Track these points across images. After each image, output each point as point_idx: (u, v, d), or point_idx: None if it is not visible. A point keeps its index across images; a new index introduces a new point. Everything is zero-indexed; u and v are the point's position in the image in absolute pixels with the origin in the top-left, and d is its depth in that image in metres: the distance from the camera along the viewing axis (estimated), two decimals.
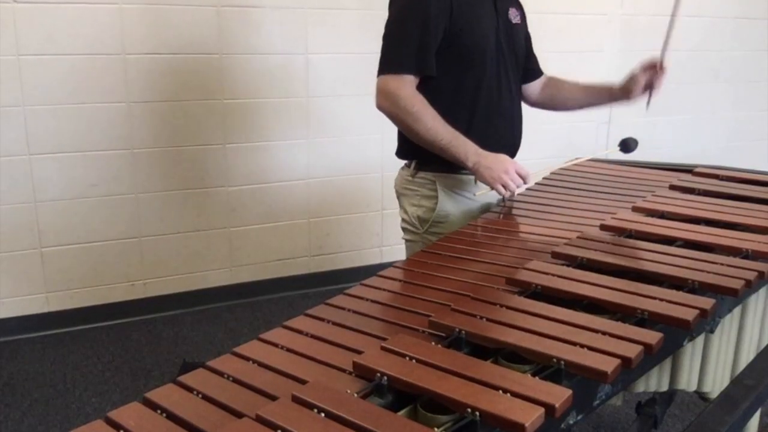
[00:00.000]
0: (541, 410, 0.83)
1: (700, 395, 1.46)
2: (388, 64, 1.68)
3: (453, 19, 1.67)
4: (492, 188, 1.68)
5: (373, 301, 1.26)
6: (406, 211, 1.87)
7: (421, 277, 1.38)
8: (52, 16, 2.72)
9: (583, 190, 1.97)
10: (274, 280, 3.42)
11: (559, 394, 0.87)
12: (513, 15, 1.84)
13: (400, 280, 1.37)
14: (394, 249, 3.45)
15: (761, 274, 1.29)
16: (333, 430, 0.83)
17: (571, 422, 0.96)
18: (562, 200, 1.87)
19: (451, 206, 1.80)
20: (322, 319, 1.19)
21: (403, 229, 1.89)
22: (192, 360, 2.75)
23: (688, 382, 1.35)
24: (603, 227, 1.60)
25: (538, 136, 3.79)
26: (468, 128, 1.72)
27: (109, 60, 2.84)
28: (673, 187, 1.93)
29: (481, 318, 1.11)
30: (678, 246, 1.46)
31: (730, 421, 0.98)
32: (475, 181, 1.75)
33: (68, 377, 2.67)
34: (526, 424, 0.81)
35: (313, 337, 1.12)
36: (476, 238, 1.60)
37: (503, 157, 1.69)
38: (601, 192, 1.94)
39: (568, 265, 1.37)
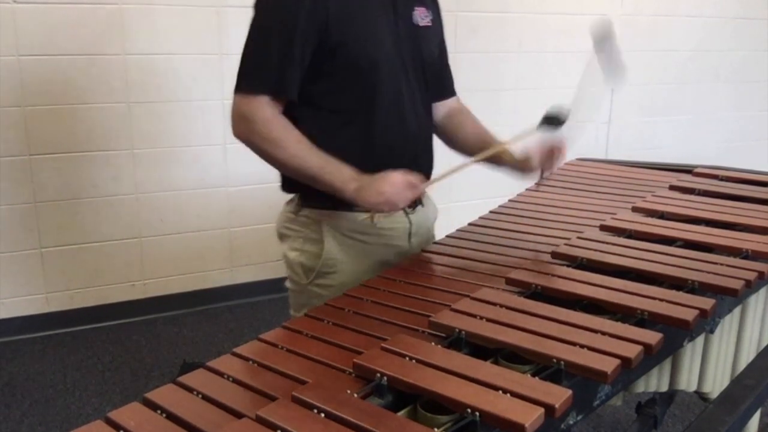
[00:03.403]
0: (541, 410, 0.83)
1: (700, 395, 1.46)
2: (241, 82, 1.40)
3: (330, 30, 1.37)
4: (381, 211, 1.40)
5: (373, 301, 1.26)
6: (286, 256, 1.56)
7: (421, 277, 1.38)
8: (52, 16, 2.72)
9: (583, 190, 1.97)
10: (274, 280, 3.41)
11: (559, 395, 0.87)
12: (420, 16, 1.52)
13: (400, 280, 1.37)
14: None
15: (761, 274, 1.29)
16: (333, 430, 0.83)
17: (571, 422, 0.96)
18: (562, 200, 1.87)
19: (341, 252, 1.49)
20: (321, 319, 1.19)
21: (287, 278, 1.60)
22: (192, 360, 2.74)
23: (688, 382, 1.35)
24: (603, 227, 1.60)
25: (537, 135, 3.81)
26: (362, 159, 1.41)
27: (109, 60, 2.84)
28: (672, 188, 1.93)
29: (481, 318, 1.11)
30: (678, 246, 1.46)
31: (730, 421, 0.98)
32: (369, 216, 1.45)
33: (68, 377, 2.67)
34: (526, 425, 0.81)
35: (313, 337, 1.13)
36: (476, 239, 1.60)
37: (384, 174, 1.37)
38: (601, 192, 1.94)
39: (568, 265, 1.37)
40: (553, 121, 1.48)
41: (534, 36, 3.66)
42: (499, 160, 1.63)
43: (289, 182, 1.53)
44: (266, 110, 1.38)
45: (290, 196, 1.57)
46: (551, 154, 1.60)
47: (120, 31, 2.83)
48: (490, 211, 1.80)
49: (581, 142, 3.90)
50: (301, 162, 1.38)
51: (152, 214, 3.09)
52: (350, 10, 1.40)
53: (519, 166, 1.63)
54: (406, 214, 1.54)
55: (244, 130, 1.39)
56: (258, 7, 1.42)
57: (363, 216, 1.43)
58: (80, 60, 2.80)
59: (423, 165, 1.55)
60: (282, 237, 1.58)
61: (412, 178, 1.38)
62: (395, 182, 1.36)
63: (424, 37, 1.53)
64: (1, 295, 2.92)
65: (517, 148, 1.60)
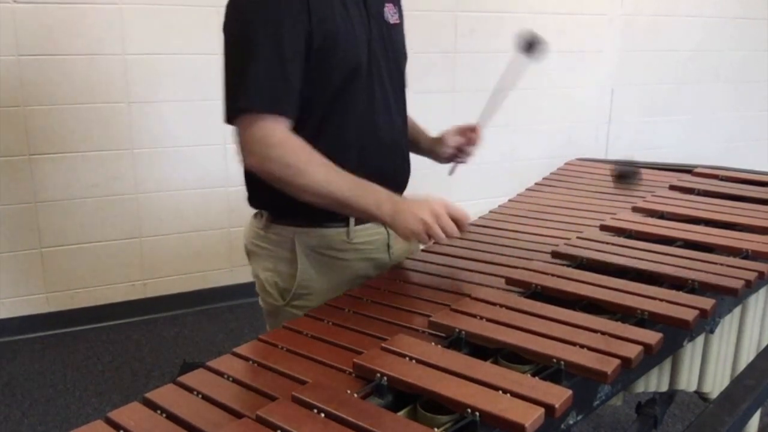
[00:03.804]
0: (541, 410, 0.83)
1: (700, 395, 1.46)
2: (247, 100, 1.23)
3: (313, 34, 1.25)
4: (414, 240, 1.27)
5: (373, 301, 1.26)
6: (258, 276, 1.46)
7: (421, 278, 1.38)
8: (52, 16, 2.72)
9: (583, 190, 1.97)
10: None
11: (559, 394, 0.87)
12: (390, 13, 1.42)
13: (400, 280, 1.37)
14: None
15: (761, 274, 1.29)
16: (333, 430, 0.83)
17: (571, 422, 0.96)
18: (562, 200, 1.87)
19: (316, 272, 1.40)
20: (321, 319, 1.19)
21: (260, 296, 1.49)
22: (192, 360, 2.75)
23: (688, 382, 1.35)
24: (603, 227, 1.60)
25: (537, 135, 3.82)
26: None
27: (109, 60, 2.84)
28: (672, 188, 1.93)
29: (481, 318, 1.11)
30: (678, 246, 1.46)
31: (730, 421, 0.98)
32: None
33: (68, 377, 2.67)
34: (526, 425, 0.81)
35: (313, 337, 1.12)
36: (476, 239, 1.60)
37: (428, 198, 1.25)
38: (601, 192, 1.94)
39: (568, 265, 1.37)
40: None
41: None
42: (414, 143, 1.59)
43: (256, 196, 1.43)
44: (280, 131, 1.24)
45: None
46: (466, 136, 1.60)
47: (120, 31, 2.83)
48: (490, 211, 1.80)
49: (581, 142, 3.92)
50: (329, 186, 1.24)
51: (152, 214, 3.09)
52: (328, 11, 1.27)
53: (432, 147, 1.61)
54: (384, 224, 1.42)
55: (260, 157, 1.24)
56: (238, 18, 1.26)
57: (402, 247, 1.36)
58: (80, 60, 2.80)
59: (402, 172, 1.48)
60: (251, 255, 1.48)
61: (459, 211, 1.25)
62: (439, 214, 1.22)
63: (394, 34, 1.43)
64: (1, 295, 2.92)
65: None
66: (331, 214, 1.34)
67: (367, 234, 1.43)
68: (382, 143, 1.39)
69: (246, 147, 1.25)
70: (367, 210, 1.26)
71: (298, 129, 1.29)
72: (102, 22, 2.79)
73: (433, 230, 1.21)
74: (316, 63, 1.28)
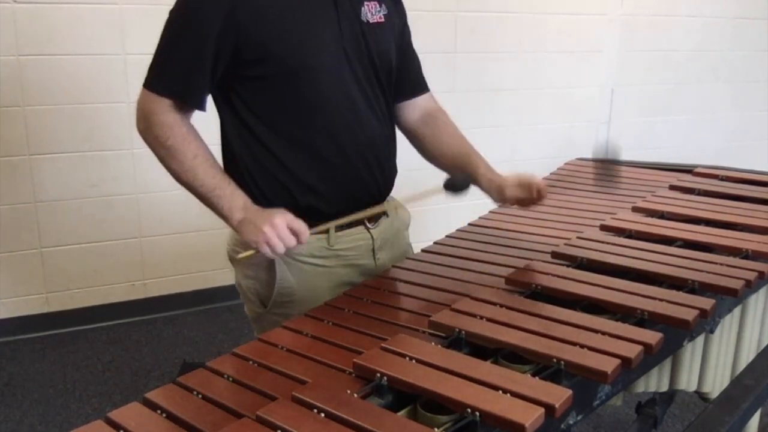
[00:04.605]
0: (541, 410, 0.83)
1: (700, 395, 1.46)
2: (150, 78, 1.35)
3: (246, 40, 1.26)
4: (255, 248, 1.26)
5: (373, 301, 1.26)
6: (239, 284, 1.47)
7: (421, 278, 1.38)
8: (52, 16, 2.72)
9: (583, 190, 1.97)
10: None
11: (559, 394, 0.87)
12: (371, 11, 1.36)
13: (400, 280, 1.37)
14: None
15: (761, 274, 1.30)
16: (333, 430, 0.83)
17: (571, 422, 0.96)
18: (562, 200, 1.87)
19: (296, 280, 1.37)
20: (321, 319, 1.19)
21: (244, 304, 1.51)
22: (192, 360, 2.75)
23: (688, 382, 1.35)
24: (603, 227, 1.60)
25: (537, 135, 3.82)
26: (309, 174, 1.35)
27: (109, 60, 2.84)
28: (673, 187, 1.93)
29: (481, 318, 1.11)
30: (678, 246, 1.46)
31: (730, 421, 0.97)
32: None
33: (68, 377, 2.67)
34: (526, 425, 0.81)
35: (313, 337, 1.13)
36: (476, 239, 1.60)
37: (274, 211, 1.26)
38: (601, 192, 1.94)
39: (568, 265, 1.37)
40: (456, 187, 1.38)
41: (534, 36, 3.66)
42: (475, 178, 1.46)
43: None
44: (168, 115, 1.33)
45: None
46: (530, 192, 1.40)
47: (120, 31, 2.83)
48: (490, 211, 1.80)
49: (581, 142, 3.92)
50: (194, 178, 1.32)
51: (152, 214, 3.09)
52: (275, 16, 1.26)
53: (489, 191, 1.45)
54: (368, 228, 1.43)
55: (144, 128, 1.38)
56: (175, 4, 1.31)
57: (242, 254, 1.29)
58: (80, 60, 2.80)
59: (382, 173, 1.43)
60: (233, 261, 1.45)
61: (298, 225, 1.24)
62: (277, 225, 1.22)
63: (374, 34, 1.36)
64: (1, 295, 2.92)
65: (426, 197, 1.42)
66: (310, 219, 1.30)
67: (349, 240, 1.41)
68: (360, 143, 1.36)
69: (139, 113, 1.38)
70: (221, 211, 1.33)
71: (268, 132, 1.35)
72: (102, 22, 2.79)
73: (272, 240, 1.22)
74: (272, 67, 1.29)
